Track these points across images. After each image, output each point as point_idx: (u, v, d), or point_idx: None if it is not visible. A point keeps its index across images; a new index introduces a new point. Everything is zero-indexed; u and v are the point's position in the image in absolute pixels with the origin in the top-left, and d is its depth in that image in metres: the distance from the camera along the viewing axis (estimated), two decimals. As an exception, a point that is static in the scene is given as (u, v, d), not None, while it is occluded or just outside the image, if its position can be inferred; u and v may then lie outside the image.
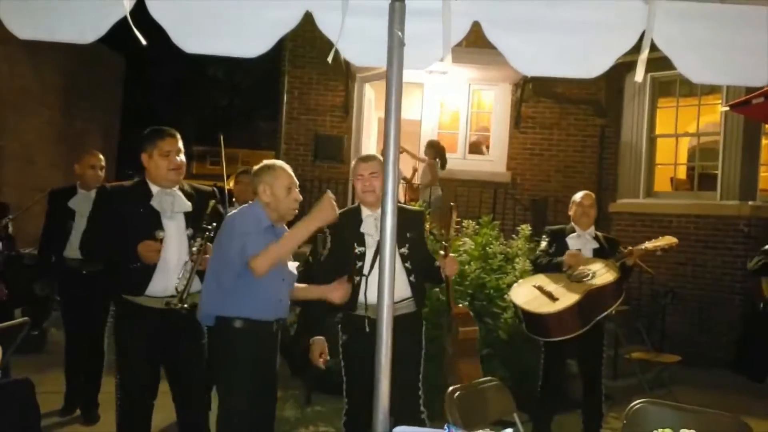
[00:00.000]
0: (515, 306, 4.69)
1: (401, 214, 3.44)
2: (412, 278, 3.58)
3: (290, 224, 3.29)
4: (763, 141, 8.54)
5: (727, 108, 6.22)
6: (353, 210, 3.70)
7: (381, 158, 3.58)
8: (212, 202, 3.49)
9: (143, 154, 3.45)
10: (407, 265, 3.57)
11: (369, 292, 3.47)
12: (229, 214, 3.29)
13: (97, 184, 4.98)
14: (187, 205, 3.47)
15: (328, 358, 3.64)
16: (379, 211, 3.46)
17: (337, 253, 3.60)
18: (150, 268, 3.34)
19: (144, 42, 2.31)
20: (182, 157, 3.51)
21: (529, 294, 4.58)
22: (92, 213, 3.62)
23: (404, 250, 3.55)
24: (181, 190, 3.53)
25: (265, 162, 3.29)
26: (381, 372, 2.27)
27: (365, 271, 3.52)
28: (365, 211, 3.62)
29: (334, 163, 9.72)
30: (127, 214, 3.38)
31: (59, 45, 2.80)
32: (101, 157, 5.23)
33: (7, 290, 5.17)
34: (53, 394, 5.27)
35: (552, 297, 4.43)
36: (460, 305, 3.77)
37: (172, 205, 3.43)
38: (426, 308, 4.05)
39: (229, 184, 6.42)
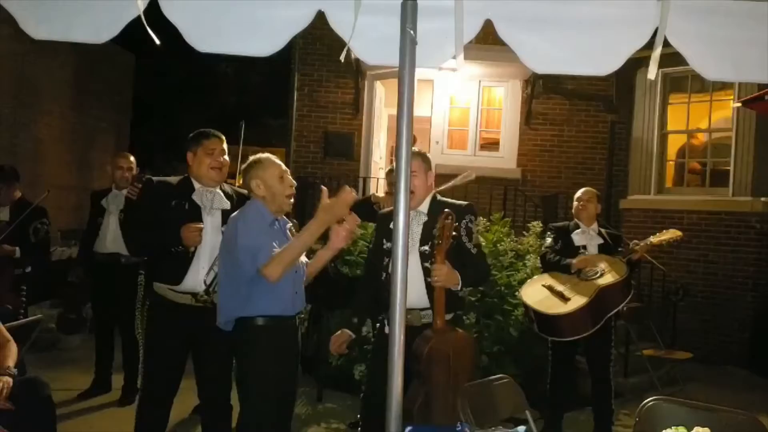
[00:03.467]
0: (526, 306, 4.68)
1: (439, 208, 3.32)
2: (430, 280, 3.26)
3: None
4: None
5: (740, 104, 6.18)
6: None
7: (422, 157, 3.51)
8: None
9: (188, 153, 3.60)
10: (426, 265, 3.31)
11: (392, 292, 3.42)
12: (231, 215, 3.30)
13: (125, 184, 5.31)
14: (226, 203, 3.60)
15: (347, 350, 3.65)
16: (419, 207, 3.46)
17: (375, 248, 3.60)
18: (188, 257, 3.45)
19: (158, 42, 2.33)
20: (226, 158, 3.65)
21: (539, 294, 4.58)
22: (137, 206, 3.77)
23: (426, 248, 3.34)
24: (222, 191, 3.65)
25: (251, 158, 3.28)
26: (394, 371, 2.27)
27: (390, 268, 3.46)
28: None
29: (344, 161, 9.72)
30: (170, 207, 3.51)
31: (70, 44, 2.82)
32: (131, 158, 5.51)
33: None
34: (67, 391, 5.33)
35: (563, 297, 4.43)
36: (459, 330, 3.30)
37: (212, 201, 3.57)
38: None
39: (239, 182, 6.46)
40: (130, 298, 5.29)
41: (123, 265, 5.20)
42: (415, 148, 3.74)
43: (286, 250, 3.02)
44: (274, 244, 3.07)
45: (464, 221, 3.43)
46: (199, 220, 3.50)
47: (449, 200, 3.60)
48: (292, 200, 3.26)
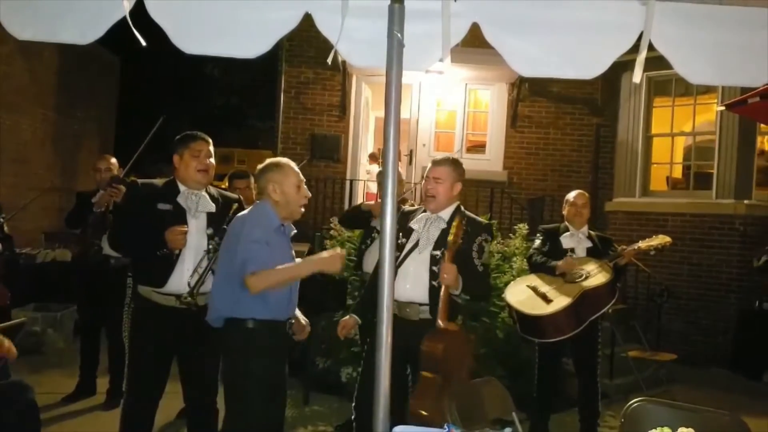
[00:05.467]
0: (509, 306, 4.70)
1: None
2: (435, 283, 3.42)
3: (296, 223, 3.35)
4: (759, 140, 8.58)
5: (723, 107, 6.24)
6: (418, 208, 3.74)
7: (453, 165, 3.60)
8: (235, 206, 3.63)
9: (175, 156, 3.59)
10: (434, 268, 3.44)
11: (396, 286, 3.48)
12: (239, 214, 3.29)
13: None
14: (211, 206, 3.59)
15: (356, 335, 3.79)
16: (440, 213, 3.57)
17: None
18: (172, 259, 3.44)
19: (144, 43, 2.31)
20: (212, 161, 3.64)
21: (523, 294, 4.60)
22: (122, 207, 3.76)
23: (437, 252, 3.46)
24: (208, 193, 3.64)
25: (271, 160, 3.31)
26: (381, 372, 2.27)
27: (397, 261, 3.44)
28: (420, 210, 3.66)
29: (331, 163, 9.72)
30: (155, 209, 3.50)
31: (54, 45, 2.81)
32: (112, 160, 5.49)
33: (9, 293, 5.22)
34: (51, 395, 5.28)
35: (546, 299, 4.45)
36: (454, 324, 3.42)
37: (197, 204, 3.56)
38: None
39: (224, 184, 6.43)
40: (119, 300, 5.23)
41: (113, 267, 5.14)
42: (450, 155, 3.84)
43: (277, 272, 3.04)
44: (271, 255, 3.07)
45: (480, 238, 3.55)
46: (184, 222, 3.49)
47: (472, 215, 3.72)
48: (303, 209, 3.30)
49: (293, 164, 3.28)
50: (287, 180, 3.20)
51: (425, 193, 3.60)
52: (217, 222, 3.55)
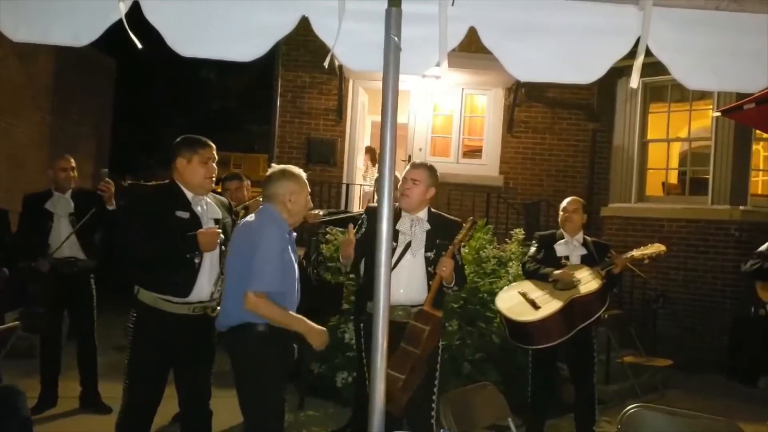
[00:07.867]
0: (498, 312, 4.69)
1: (437, 220, 3.77)
2: (432, 283, 3.62)
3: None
4: (754, 146, 8.61)
5: (719, 113, 6.25)
6: (396, 208, 3.79)
7: (429, 170, 3.78)
8: (242, 213, 3.69)
9: (180, 158, 3.50)
10: (430, 269, 3.65)
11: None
12: (246, 219, 3.28)
13: (69, 186, 5.24)
14: (218, 213, 3.60)
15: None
16: (417, 213, 3.76)
17: (370, 238, 3.63)
18: (195, 268, 3.41)
19: (140, 46, 2.31)
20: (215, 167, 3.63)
21: (512, 300, 4.59)
22: (132, 213, 3.65)
23: (430, 254, 3.68)
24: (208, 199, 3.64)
25: (287, 168, 3.33)
26: (377, 374, 2.26)
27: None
28: (404, 211, 3.77)
29: (327, 167, 9.72)
30: (173, 217, 3.44)
31: (50, 47, 2.80)
32: (71, 160, 5.39)
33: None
34: (44, 399, 5.25)
35: (534, 305, 4.44)
36: (436, 311, 3.60)
37: (207, 211, 3.56)
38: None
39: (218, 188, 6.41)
40: (89, 303, 5.21)
41: (80, 270, 5.09)
42: (427, 162, 4.05)
43: (280, 311, 3.09)
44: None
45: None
46: (200, 228, 3.45)
47: (443, 214, 3.95)
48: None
49: (304, 174, 3.35)
50: (303, 192, 3.29)
51: (400, 192, 3.76)
52: (225, 229, 3.55)
